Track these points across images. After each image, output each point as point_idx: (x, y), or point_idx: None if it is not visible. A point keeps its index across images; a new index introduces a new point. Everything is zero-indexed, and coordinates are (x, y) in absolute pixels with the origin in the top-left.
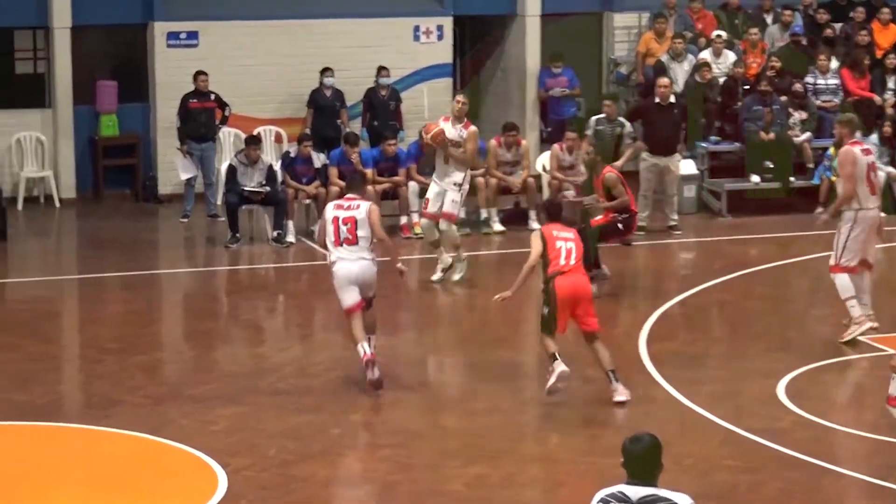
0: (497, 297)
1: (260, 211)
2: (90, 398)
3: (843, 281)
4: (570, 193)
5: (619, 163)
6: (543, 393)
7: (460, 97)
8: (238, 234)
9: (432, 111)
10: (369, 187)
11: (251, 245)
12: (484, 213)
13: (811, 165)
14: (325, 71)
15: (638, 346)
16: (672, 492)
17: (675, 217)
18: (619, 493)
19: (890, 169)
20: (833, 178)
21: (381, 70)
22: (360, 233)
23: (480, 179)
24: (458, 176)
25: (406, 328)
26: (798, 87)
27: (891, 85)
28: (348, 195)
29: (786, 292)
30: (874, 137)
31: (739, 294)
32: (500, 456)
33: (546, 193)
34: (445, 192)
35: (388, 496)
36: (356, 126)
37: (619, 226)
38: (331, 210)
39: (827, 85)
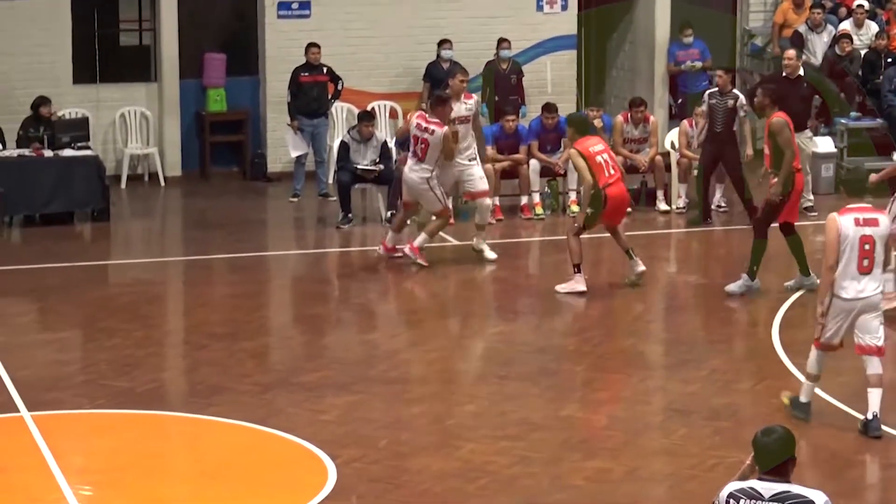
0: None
1: (373, 190)
2: (195, 386)
3: None
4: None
5: (749, 149)
6: (670, 383)
7: (460, 75)
8: (350, 215)
9: (556, 85)
10: (487, 166)
11: (364, 226)
12: None
13: None
14: (443, 43)
15: (771, 333)
16: (806, 488)
17: (811, 197)
18: (750, 488)
19: None
20: None
21: (502, 42)
22: (429, 154)
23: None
24: (472, 150)
25: (526, 313)
26: None
27: None
28: (430, 118)
29: None
30: None
31: None
32: (623, 449)
33: (675, 173)
34: (465, 170)
35: (506, 490)
36: None
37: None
38: (414, 125)
39: None
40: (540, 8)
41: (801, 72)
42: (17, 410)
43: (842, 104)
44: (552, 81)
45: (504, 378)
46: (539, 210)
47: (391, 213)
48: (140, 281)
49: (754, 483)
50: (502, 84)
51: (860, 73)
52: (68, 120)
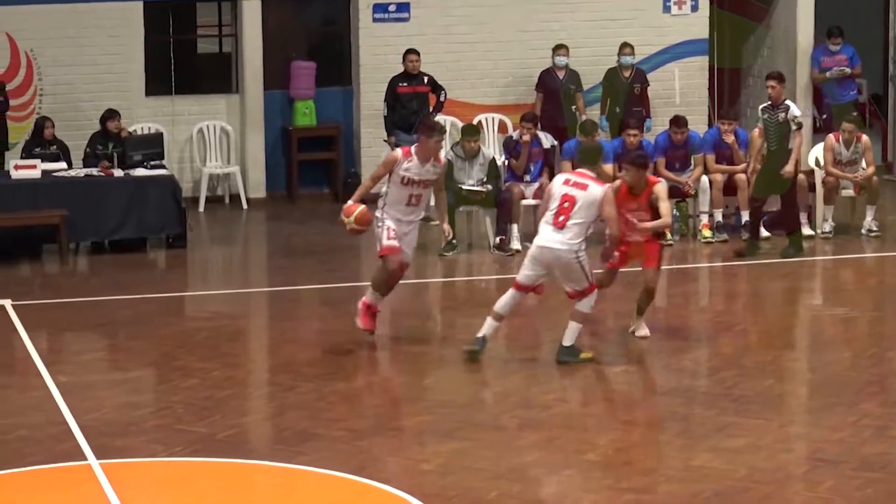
0: None
1: (480, 213)
2: (281, 432)
3: None
4: (849, 192)
5: (789, 165)
6: (815, 429)
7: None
8: (454, 240)
9: (684, 96)
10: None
11: (469, 253)
12: (745, 216)
13: None
14: (558, 49)
15: None
16: None
17: None
18: None
19: None
20: None
21: (624, 47)
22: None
23: (741, 176)
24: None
25: (652, 352)
26: None
27: None
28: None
29: None
30: None
31: None
32: (763, 502)
33: (819, 192)
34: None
35: None
36: (594, 113)
37: None
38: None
39: None
40: (667, 9)
41: None
42: (85, 458)
43: None
44: (680, 91)
45: (628, 423)
46: (667, 235)
47: (500, 240)
48: (220, 314)
49: None
50: (624, 94)
51: None
52: (140, 136)
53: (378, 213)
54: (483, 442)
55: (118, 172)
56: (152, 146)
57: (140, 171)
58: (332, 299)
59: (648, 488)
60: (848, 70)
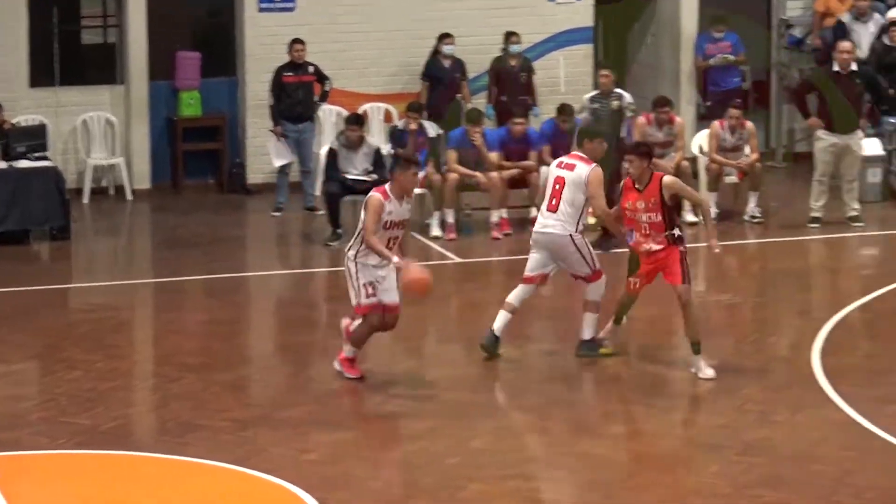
0: None
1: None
2: (165, 423)
3: None
4: (733, 179)
5: None
6: (699, 415)
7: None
8: (340, 230)
9: (570, 84)
10: (494, 174)
11: None
12: None
13: None
14: (444, 38)
15: (810, 358)
16: None
17: (856, 206)
18: None
19: None
20: None
21: (511, 36)
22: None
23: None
24: None
25: (537, 339)
26: None
27: None
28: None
29: None
30: None
31: None
32: (650, 488)
33: (704, 180)
34: None
35: None
36: (480, 102)
37: None
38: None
39: None
40: None
41: (854, 66)
42: None
43: (891, 101)
44: (566, 80)
45: (514, 410)
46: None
47: None
48: (104, 306)
49: None
50: (511, 83)
51: None
52: (24, 127)
53: (350, 266)
54: (368, 431)
55: (1, 164)
56: (35, 137)
57: (23, 163)
58: (216, 290)
59: (533, 475)
60: (732, 57)
